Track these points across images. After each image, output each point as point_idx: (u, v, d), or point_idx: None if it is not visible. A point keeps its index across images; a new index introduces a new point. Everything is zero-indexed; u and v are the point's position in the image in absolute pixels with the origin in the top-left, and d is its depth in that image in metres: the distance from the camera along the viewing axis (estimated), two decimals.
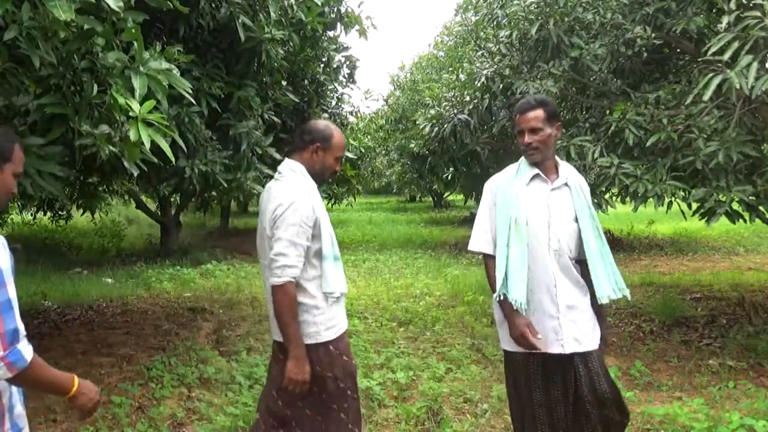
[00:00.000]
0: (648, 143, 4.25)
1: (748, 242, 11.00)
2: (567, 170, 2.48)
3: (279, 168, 2.39)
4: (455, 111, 7.56)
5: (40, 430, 3.42)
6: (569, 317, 2.36)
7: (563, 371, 2.39)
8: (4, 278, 1.53)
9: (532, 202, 2.40)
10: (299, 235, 2.19)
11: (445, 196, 23.70)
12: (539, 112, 2.37)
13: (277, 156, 5.33)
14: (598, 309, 2.46)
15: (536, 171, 2.43)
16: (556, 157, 2.50)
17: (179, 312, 6.22)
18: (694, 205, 4.28)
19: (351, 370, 2.38)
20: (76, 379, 1.72)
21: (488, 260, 2.50)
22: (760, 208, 4.21)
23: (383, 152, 18.23)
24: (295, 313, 2.20)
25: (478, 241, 2.52)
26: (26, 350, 1.56)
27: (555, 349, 2.36)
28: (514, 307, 2.37)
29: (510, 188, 2.44)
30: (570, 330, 2.35)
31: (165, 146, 2.49)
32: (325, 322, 2.28)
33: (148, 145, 2.41)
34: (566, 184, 2.43)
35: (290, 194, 2.23)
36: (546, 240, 2.37)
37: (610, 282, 2.37)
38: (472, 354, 4.70)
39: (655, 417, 3.37)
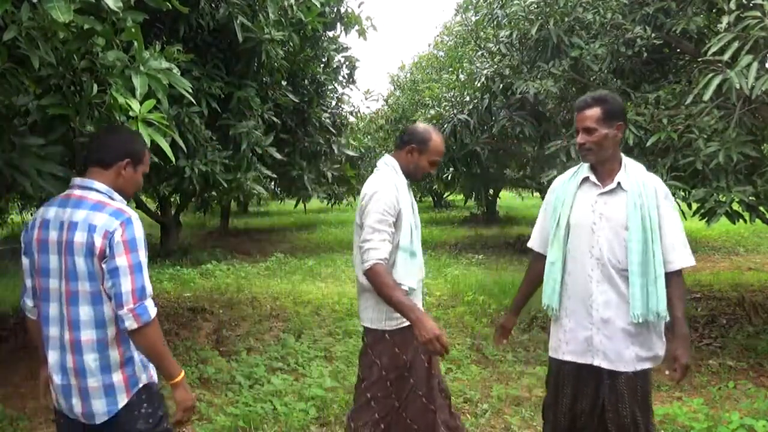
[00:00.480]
0: (648, 143, 4.24)
1: (748, 242, 10.99)
2: (628, 173, 2.26)
3: (377, 162, 2.54)
4: (455, 111, 7.55)
5: (40, 429, 3.42)
6: (603, 332, 2.22)
7: (596, 383, 2.28)
8: (138, 245, 1.77)
9: (579, 206, 2.30)
10: (381, 222, 2.29)
11: (445, 196, 23.66)
12: (595, 111, 2.22)
13: (277, 156, 5.33)
14: (672, 325, 2.23)
15: (587, 174, 2.32)
16: (624, 158, 2.32)
17: (179, 312, 6.22)
18: (695, 206, 4.27)
19: (399, 364, 2.39)
20: (183, 372, 1.89)
21: (534, 259, 2.53)
22: (760, 208, 4.21)
23: (383, 152, 18.23)
24: (393, 285, 2.22)
25: (533, 238, 2.55)
26: (151, 307, 1.77)
27: (586, 359, 2.27)
28: (548, 311, 2.39)
29: (563, 190, 2.39)
30: (601, 345, 2.23)
31: (165, 146, 2.49)
32: (388, 312, 2.36)
33: (148, 145, 2.41)
34: (622, 188, 2.23)
35: (375, 185, 2.37)
36: (588, 247, 2.25)
37: (645, 302, 2.16)
38: (472, 354, 4.70)
39: (655, 417, 3.37)
